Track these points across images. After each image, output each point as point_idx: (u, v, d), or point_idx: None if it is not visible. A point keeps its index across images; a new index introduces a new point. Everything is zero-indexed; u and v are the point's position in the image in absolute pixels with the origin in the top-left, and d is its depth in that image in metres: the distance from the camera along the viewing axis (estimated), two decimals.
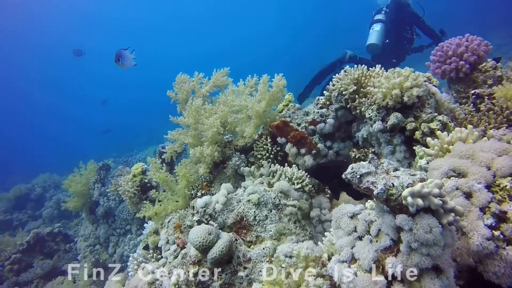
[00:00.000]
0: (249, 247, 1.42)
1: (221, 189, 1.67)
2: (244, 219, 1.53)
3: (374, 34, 4.53)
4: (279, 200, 1.64)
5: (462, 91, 2.41)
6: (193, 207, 1.90)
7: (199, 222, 1.46)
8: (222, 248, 1.23)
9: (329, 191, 2.22)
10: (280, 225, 1.47)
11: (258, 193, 1.62)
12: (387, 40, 4.57)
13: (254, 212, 1.53)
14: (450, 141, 1.45)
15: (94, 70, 27.36)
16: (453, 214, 0.88)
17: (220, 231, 1.45)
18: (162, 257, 2.33)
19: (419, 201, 0.85)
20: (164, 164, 3.02)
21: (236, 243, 1.38)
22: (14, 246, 4.88)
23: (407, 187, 0.90)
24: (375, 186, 0.93)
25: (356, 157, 2.32)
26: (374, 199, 1.03)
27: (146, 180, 3.10)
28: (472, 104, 2.08)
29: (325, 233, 1.31)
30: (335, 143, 2.41)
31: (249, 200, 1.58)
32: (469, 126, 1.47)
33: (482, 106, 2.07)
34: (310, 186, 2.04)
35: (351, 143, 2.46)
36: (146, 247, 2.47)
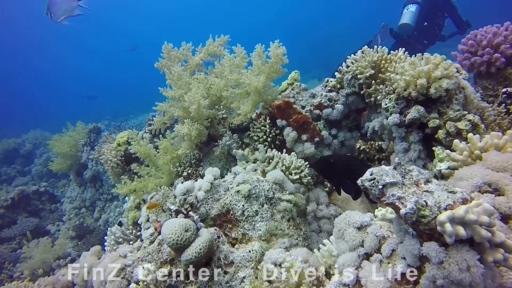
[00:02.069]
0: (233, 245, 1.22)
1: (206, 174, 1.44)
2: (231, 212, 1.32)
3: (409, 14, 4.29)
4: (273, 193, 1.42)
5: (490, 89, 2.15)
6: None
7: (177, 212, 1.25)
8: (200, 249, 1.03)
9: (328, 184, 2.03)
10: (271, 224, 1.27)
11: (250, 183, 1.39)
12: (426, 23, 4.36)
13: (243, 205, 1.32)
14: (483, 147, 1.21)
15: (114, 22, 26.30)
16: (502, 250, 0.66)
17: (202, 224, 1.25)
18: (141, 234, 2.18)
19: (461, 231, 0.64)
20: (150, 136, 2.79)
21: (218, 241, 1.18)
22: None
23: (445, 209, 0.67)
24: (402, 203, 0.70)
25: (361, 148, 2.11)
26: (395, 214, 0.81)
27: (131, 151, 2.87)
28: (503, 105, 1.83)
29: (324, 241, 1.11)
30: (341, 132, 2.17)
31: (238, 191, 1.36)
32: (509, 132, 1.22)
33: None
34: (309, 178, 1.83)
35: (359, 134, 2.23)
36: (120, 223, 2.30)
